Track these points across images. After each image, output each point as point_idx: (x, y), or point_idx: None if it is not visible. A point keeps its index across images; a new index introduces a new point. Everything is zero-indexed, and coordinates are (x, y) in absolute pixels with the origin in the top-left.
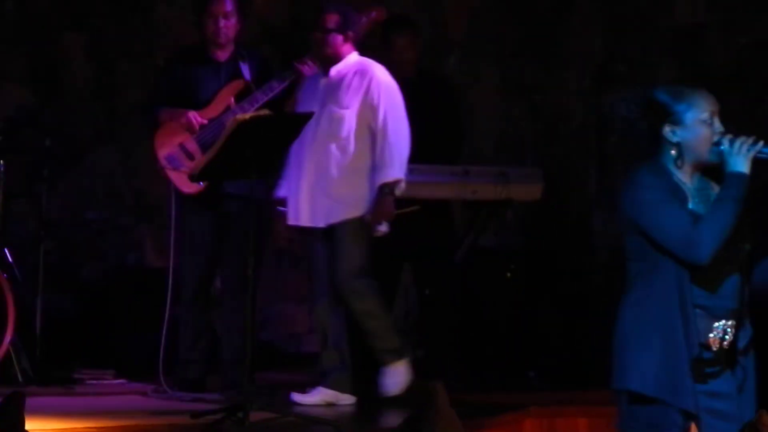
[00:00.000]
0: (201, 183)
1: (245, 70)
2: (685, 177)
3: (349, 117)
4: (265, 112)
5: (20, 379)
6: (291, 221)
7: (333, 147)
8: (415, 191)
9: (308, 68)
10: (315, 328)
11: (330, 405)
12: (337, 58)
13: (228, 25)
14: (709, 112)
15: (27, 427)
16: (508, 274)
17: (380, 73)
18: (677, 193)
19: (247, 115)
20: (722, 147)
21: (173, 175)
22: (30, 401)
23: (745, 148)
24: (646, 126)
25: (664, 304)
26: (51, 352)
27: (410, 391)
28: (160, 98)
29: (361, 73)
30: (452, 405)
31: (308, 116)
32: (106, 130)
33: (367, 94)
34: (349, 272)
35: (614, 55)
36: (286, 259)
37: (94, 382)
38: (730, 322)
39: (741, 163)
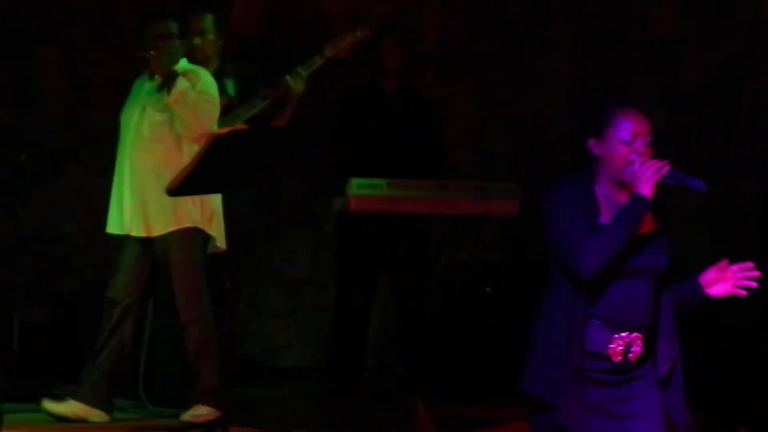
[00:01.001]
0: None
1: (230, 87)
2: (609, 190)
3: (170, 120)
4: (241, 126)
5: None
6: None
7: (156, 152)
8: (392, 206)
9: (296, 84)
10: (293, 342)
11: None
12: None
13: (207, 41)
14: (630, 132)
15: None
16: (487, 289)
17: (207, 76)
18: (588, 206)
19: (224, 130)
20: (633, 167)
21: None
22: (7, 417)
23: (651, 171)
24: (577, 134)
25: (556, 311)
26: (28, 367)
27: (390, 405)
28: None
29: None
30: (431, 419)
31: (285, 130)
32: (81, 144)
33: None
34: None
35: (588, 69)
36: (264, 273)
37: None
38: (634, 335)
39: (645, 186)
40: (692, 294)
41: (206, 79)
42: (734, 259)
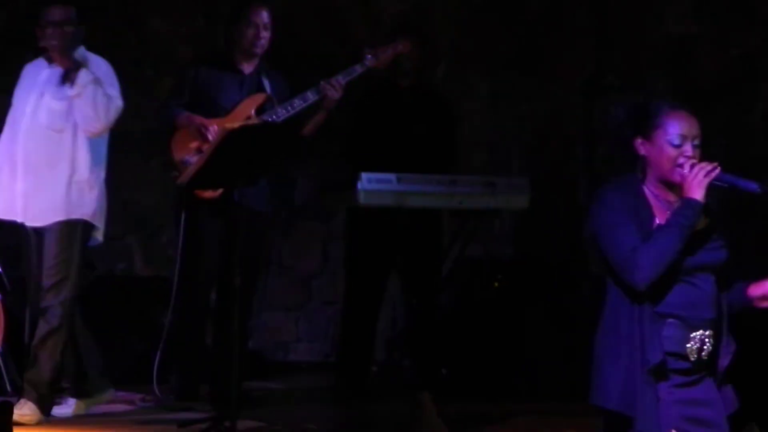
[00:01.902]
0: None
1: (267, 85)
2: (657, 190)
3: (69, 108)
4: (254, 122)
5: (9, 389)
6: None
7: (52, 141)
8: (402, 200)
9: (333, 91)
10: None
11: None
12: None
13: (266, 37)
14: (679, 135)
15: None
16: (496, 284)
17: (106, 67)
18: (640, 210)
19: (236, 125)
20: (683, 171)
21: None
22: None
23: (701, 174)
24: (626, 133)
25: (623, 318)
26: None
27: (398, 400)
28: (180, 98)
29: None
30: (439, 415)
31: (297, 127)
32: None
33: None
34: None
35: (604, 65)
36: (273, 267)
37: None
38: (707, 332)
39: (696, 189)
40: (739, 301)
41: (106, 70)
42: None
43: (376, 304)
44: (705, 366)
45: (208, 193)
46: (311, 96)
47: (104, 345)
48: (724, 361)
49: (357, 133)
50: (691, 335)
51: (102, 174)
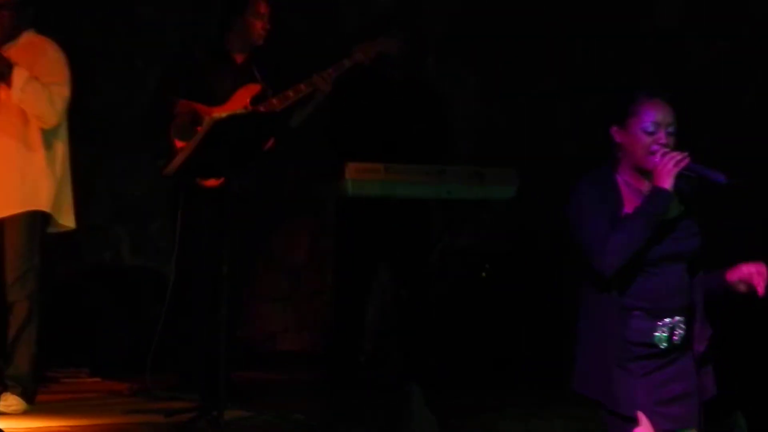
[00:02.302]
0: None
1: (259, 75)
2: (631, 178)
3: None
4: (241, 111)
5: None
6: None
7: (4, 131)
8: (390, 190)
9: (325, 84)
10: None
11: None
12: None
13: (267, 28)
14: (653, 122)
15: (1, 425)
16: (484, 274)
17: (53, 51)
18: (610, 199)
19: (223, 114)
20: (654, 159)
21: None
22: None
23: (671, 163)
24: (603, 122)
25: (593, 308)
26: None
27: (387, 391)
28: (174, 86)
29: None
30: (428, 406)
31: (283, 116)
32: (82, 129)
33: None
34: None
35: (593, 58)
36: (261, 258)
37: (69, 380)
38: (677, 318)
39: (665, 178)
40: (718, 286)
41: (52, 55)
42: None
43: (365, 295)
44: (678, 348)
45: (211, 182)
46: (304, 88)
47: (91, 334)
48: (699, 347)
49: (345, 124)
50: (659, 323)
51: (60, 163)
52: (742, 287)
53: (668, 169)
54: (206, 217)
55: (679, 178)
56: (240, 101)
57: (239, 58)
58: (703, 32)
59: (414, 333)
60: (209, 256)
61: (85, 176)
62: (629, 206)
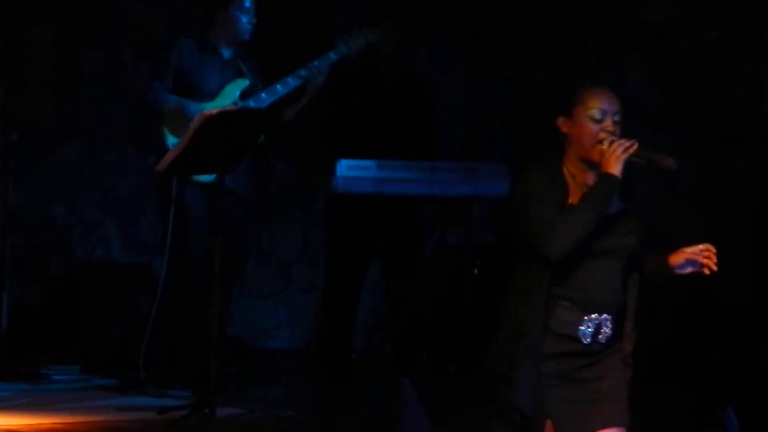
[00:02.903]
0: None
1: (247, 69)
2: (577, 171)
3: None
4: (232, 108)
5: None
6: None
7: None
8: (381, 187)
9: (316, 77)
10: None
11: None
12: None
13: (252, 23)
14: (600, 110)
15: None
16: (476, 270)
17: None
18: (555, 188)
19: (215, 111)
20: (603, 146)
21: None
22: None
23: (620, 150)
24: (552, 113)
25: (520, 292)
26: (17, 347)
27: (378, 386)
28: (164, 82)
29: None
30: (419, 401)
31: (274, 111)
32: (73, 124)
33: None
34: None
35: (582, 49)
36: (252, 254)
37: (61, 377)
38: (604, 316)
39: (614, 164)
40: (660, 271)
41: None
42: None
43: (357, 291)
44: (602, 349)
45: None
46: (292, 82)
47: (83, 331)
48: (628, 347)
49: (336, 118)
50: (585, 318)
51: None
52: (687, 269)
53: (617, 156)
54: (197, 212)
55: (628, 164)
56: (229, 97)
57: (227, 53)
58: (691, 24)
59: (405, 328)
60: (202, 251)
61: (75, 172)
62: (574, 198)
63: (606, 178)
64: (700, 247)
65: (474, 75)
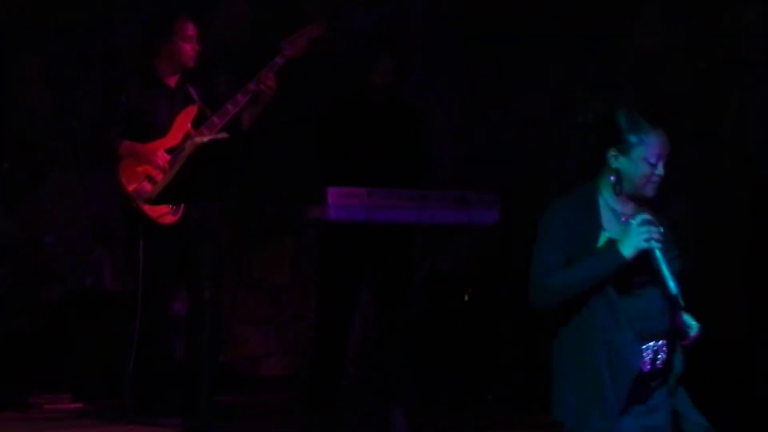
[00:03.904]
0: (176, 213)
1: (194, 95)
2: (617, 203)
3: None
4: (223, 135)
5: None
6: None
7: None
8: (372, 215)
9: (266, 85)
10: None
11: None
12: None
13: (197, 50)
14: (657, 155)
15: None
16: (466, 297)
17: None
18: (584, 218)
19: (206, 138)
20: (631, 220)
21: (147, 209)
22: None
23: (644, 237)
24: (595, 141)
25: (583, 331)
26: (7, 375)
27: (368, 413)
28: (118, 124)
29: None
30: (410, 429)
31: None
32: (63, 153)
33: None
34: None
35: (573, 78)
36: (244, 281)
37: (51, 406)
38: (660, 343)
39: (630, 247)
40: None
41: None
42: (720, 271)
43: (348, 318)
44: (659, 374)
45: (169, 218)
46: (242, 99)
47: (74, 359)
48: (678, 369)
49: (328, 146)
50: (644, 346)
51: None
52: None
53: (637, 242)
54: (165, 247)
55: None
56: (181, 128)
57: (172, 81)
58: (683, 54)
59: (396, 356)
60: (169, 283)
61: (66, 200)
62: (608, 227)
63: (616, 255)
64: (692, 325)
65: (465, 103)
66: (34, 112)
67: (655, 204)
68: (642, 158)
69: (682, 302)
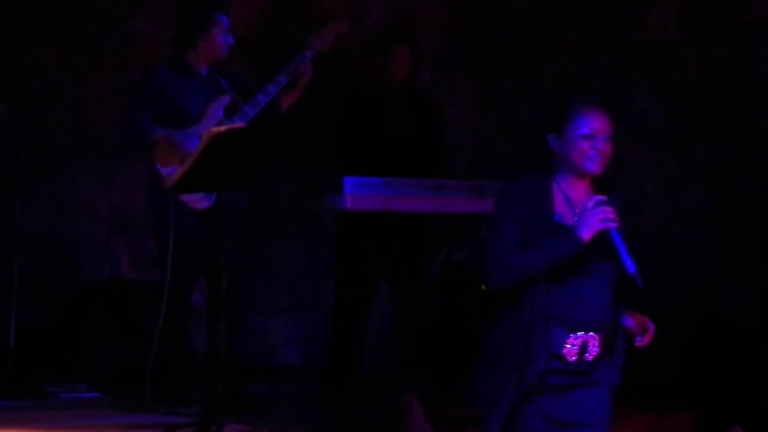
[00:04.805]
0: (209, 199)
1: (225, 85)
2: (570, 188)
3: None
4: (239, 125)
5: None
6: None
7: None
8: (388, 204)
9: (303, 70)
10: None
11: None
12: None
13: (231, 44)
14: (590, 127)
15: None
16: (482, 287)
17: None
18: (540, 201)
19: (222, 128)
20: (587, 204)
21: None
22: (3, 415)
23: (597, 218)
24: (535, 130)
25: (512, 313)
26: (24, 365)
27: (385, 403)
28: (149, 112)
29: None
30: (426, 418)
31: (282, 128)
32: (80, 143)
33: None
34: None
35: (587, 69)
36: (260, 271)
37: (68, 395)
38: (590, 335)
39: (586, 230)
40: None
41: None
42: (733, 262)
43: (366, 309)
44: (590, 368)
45: (202, 204)
46: (273, 90)
47: (90, 349)
48: (617, 364)
49: (345, 136)
50: (570, 336)
51: None
52: (638, 340)
53: (593, 223)
54: (194, 234)
55: (597, 234)
56: (214, 117)
57: (203, 71)
58: (697, 46)
59: (412, 346)
60: (196, 272)
61: (82, 190)
62: (561, 207)
63: (573, 238)
64: (649, 327)
65: (481, 94)
66: (50, 102)
67: (607, 183)
68: (576, 134)
69: (640, 282)
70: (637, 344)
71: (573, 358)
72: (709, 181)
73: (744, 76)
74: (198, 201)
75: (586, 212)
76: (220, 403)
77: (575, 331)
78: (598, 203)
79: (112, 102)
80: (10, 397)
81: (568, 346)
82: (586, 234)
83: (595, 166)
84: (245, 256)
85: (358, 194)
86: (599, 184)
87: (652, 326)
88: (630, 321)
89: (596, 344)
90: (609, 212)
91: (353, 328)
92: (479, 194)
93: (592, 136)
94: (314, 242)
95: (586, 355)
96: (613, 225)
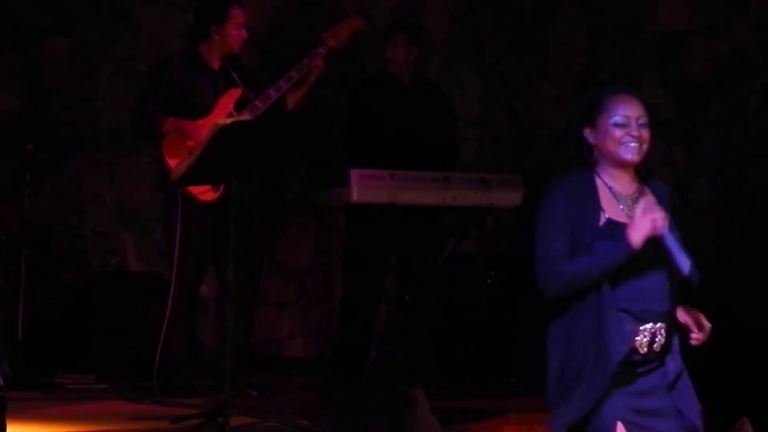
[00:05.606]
0: (216, 190)
1: (237, 78)
2: (613, 182)
3: None
4: (245, 117)
5: (2, 383)
6: None
7: None
8: (394, 197)
9: (316, 65)
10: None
11: None
12: None
13: (245, 37)
14: (622, 115)
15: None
16: (489, 280)
17: None
18: (586, 204)
19: (228, 121)
20: (638, 208)
21: None
22: (11, 406)
23: (648, 224)
24: (572, 127)
25: (575, 312)
26: (33, 357)
27: (392, 396)
28: (160, 103)
29: None
30: (433, 411)
31: (287, 122)
32: (88, 135)
33: None
34: None
35: (596, 61)
36: (267, 263)
37: (76, 386)
38: (658, 325)
39: (637, 235)
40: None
41: None
42: (743, 255)
43: (375, 301)
44: (656, 358)
45: (209, 195)
46: (284, 85)
47: (98, 341)
48: (676, 355)
49: (356, 129)
50: (641, 328)
51: None
52: (693, 338)
53: (641, 228)
54: (202, 226)
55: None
56: (224, 109)
57: (215, 65)
58: (707, 34)
59: (419, 338)
60: (203, 264)
61: (90, 182)
62: (608, 209)
63: (624, 245)
64: (705, 325)
65: (488, 86)
66: (58, 96)
67: (651, 171)
68: (609, 124)
69: (695, 281)
70: (692, 342)
71: (644, 350)
72: (719, 172)
73: (754, 68)
74: (205, 193)
75: (635, 219)
76: (226, 395)
77: (644, 322)
78: (647, 207)
79: (121, 95)
80: (19, 389)
81: (639, 338)
82: (637, 240)
83: (631, 155)
84: (252, 248)
85: (363, 187)
86: (642, 173)
87: (708, 324)
88: (685, 316)
89: (663, 333)
90: (658, 217)
91: (361, 321)
92: (486, 187)
93: (625, 123)
94: (321, 235)
95: (655, 345)
96: (664, 230)
